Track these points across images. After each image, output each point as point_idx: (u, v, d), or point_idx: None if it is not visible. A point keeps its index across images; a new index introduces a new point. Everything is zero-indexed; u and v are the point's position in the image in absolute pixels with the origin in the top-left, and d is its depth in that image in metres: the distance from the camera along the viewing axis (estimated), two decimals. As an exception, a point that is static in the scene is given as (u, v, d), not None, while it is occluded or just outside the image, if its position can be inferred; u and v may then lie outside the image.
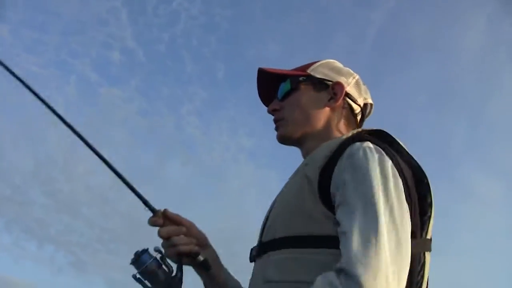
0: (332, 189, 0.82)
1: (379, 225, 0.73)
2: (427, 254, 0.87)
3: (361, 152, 0.83)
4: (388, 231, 0.73)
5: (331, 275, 0.70)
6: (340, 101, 1.05)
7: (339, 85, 1.06)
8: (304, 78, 1.08)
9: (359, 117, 1.10)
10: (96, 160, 1.06)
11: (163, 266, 0.99)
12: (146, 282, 0.98)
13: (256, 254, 0.95)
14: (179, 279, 0.99)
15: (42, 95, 1.11)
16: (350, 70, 1.12)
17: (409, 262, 0.75)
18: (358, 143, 0.85)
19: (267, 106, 1.14)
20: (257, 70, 1.12)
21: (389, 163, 0.82)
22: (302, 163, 0.97)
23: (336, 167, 0.84)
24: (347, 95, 1.07)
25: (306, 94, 1.07)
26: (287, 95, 1.08)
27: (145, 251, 0.99)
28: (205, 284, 1.09)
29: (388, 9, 8.15)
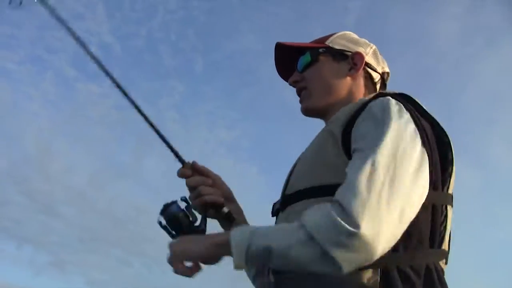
0: (352, 140, 0.85)
1: (380, 162, 0.75)
2: (449, 208, 0.89)
3: (379, 104, 0.86)
4: (393, 167, 0.75)
5: (328, 205, 0.74)
6: (361, 70, 1.08)
7: (359, 55, 1.09)
8: (324, 49, 1.10)
9: (378, 86, 1.13)
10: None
11: (189, 216, 1.02)
12: (172, 230, 1.01)
13: (280, 208, 0.96)
14: (202, 229, 1.03)
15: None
16: (367, 40, 1.15)
17: (411, 201, 0.76)
18: (379, 98, 0.89)
19: (285, 80, 1.17)
20: (275, 44, 1.15)
21: (407, 115, 0.84)
22: (326, 124, 1.00)
23: (356, 120, 0.87)
24: (366, 64, 1.09)
25: (326, 65, 1.09)
26: (307, 67, 1.11)
27: (174, 202, 1.03)
28: None
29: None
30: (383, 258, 0.74)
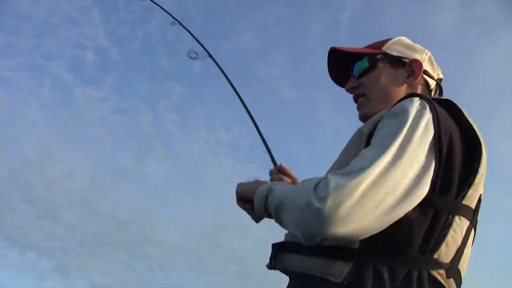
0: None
1: (379, 155, 0.75)
2: (460, 219, 0.84)
3: (402, 103, 0.85)
4: (383, 161, 0.74)
5: (318, 178, 0.77)
6: (419, 78, 1.06)
7: (417, 62, 1.07)
8: (382, 56, 1.09)
9: (433, 93, 1.12)
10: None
11: None
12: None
13: None
14: None
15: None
16: (421, 46, 1.13)
17: (397, 194, 0.73)
18: (407, 98, 0.88)
19: (339, 85, 1.18)
20: (329, 49, 1.14)
21: (426, 115, 0.82)
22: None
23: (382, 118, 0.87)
24: (424, 71, 1.08)
25: (384, 71, 1.08)
26: (364, 73, 1.10)
27: None
28: None
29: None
30: (358, 252, 0.76)
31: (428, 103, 0.84)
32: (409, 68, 1.07)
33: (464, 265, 0.87)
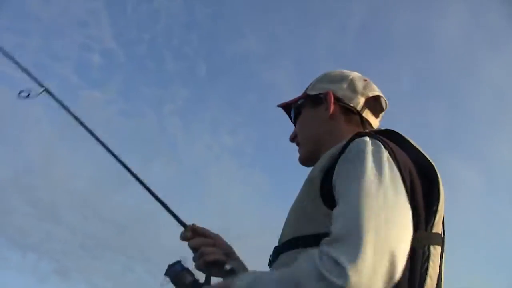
0: (333, 188, 0.82)
1: (367, 206, 0.71)
2: (435, 248, 0.85)
3: (355, 145, 0.84)
4: (376, 211, 0.71)
5: (315, 256, 0.69)
6: (333, 108, 1.07)
7: (328, 94, 1.09)
8: (303, 100, 1.15)
9: (369, 115, 1.10)
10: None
11: (193, 274, 1.05)
12: None
13: (271, 260, 0.96)
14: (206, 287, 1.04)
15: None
16: (346, 73, 1.14)
17: (403, 244, 0.71)
18: (355, 140, 0.86)
19: None
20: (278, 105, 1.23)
21: (384, 153, 0.81)
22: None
23: (335, 167, 0.84)
24: (339, 100, 1.09)
25: (306, 114, 1.14)
26: (295, 121, 1.17)
27: (178, 262, 1.05)
28: None
29: (368, -1, 8.20)
30: None
31: (379, 141, 0.84)
32: (325, 102, 1.09)
33: None
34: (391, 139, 0.90)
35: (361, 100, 1.10)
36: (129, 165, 1.22)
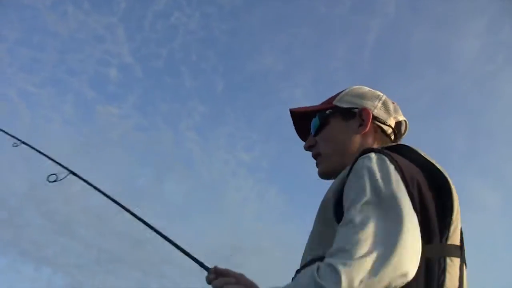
0: (344, 207, 0.82)
1: (371, 220, 0.73)
2: (452, 260, 0.83)
3: (361, 162, 0.85)
4: (376, 223, 0.73)
5: (313, 267, 0.71)
6: (369, 126, 1.06)
7: (365, 111, 1.08)
8: (331, 110, 1.11)
9: (393, 137, 1.11)
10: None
11: None
12: None
13: None
14: None
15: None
16: (377, 92, 1.14)
17: (410, 257, 0.72)
18: (361, 157, 0.87)
19: (304, 141, 1.18)
20: (289, 111, 1.18)
21: (390, 167, 0.83)
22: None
23: (345, 184, 0.85)
24: (375, 118, 1.08)
25: (335, 126, 1.10)
26: (319, 130, 1.12)
27: None
28: None
29: (386, 16, 8.21)
30: None
31: (385, 155, 0.85)
32: (359, 117, 1.08)
33: None
34: (400, 152, 0.90)
35: (392, 123, 1.11)
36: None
